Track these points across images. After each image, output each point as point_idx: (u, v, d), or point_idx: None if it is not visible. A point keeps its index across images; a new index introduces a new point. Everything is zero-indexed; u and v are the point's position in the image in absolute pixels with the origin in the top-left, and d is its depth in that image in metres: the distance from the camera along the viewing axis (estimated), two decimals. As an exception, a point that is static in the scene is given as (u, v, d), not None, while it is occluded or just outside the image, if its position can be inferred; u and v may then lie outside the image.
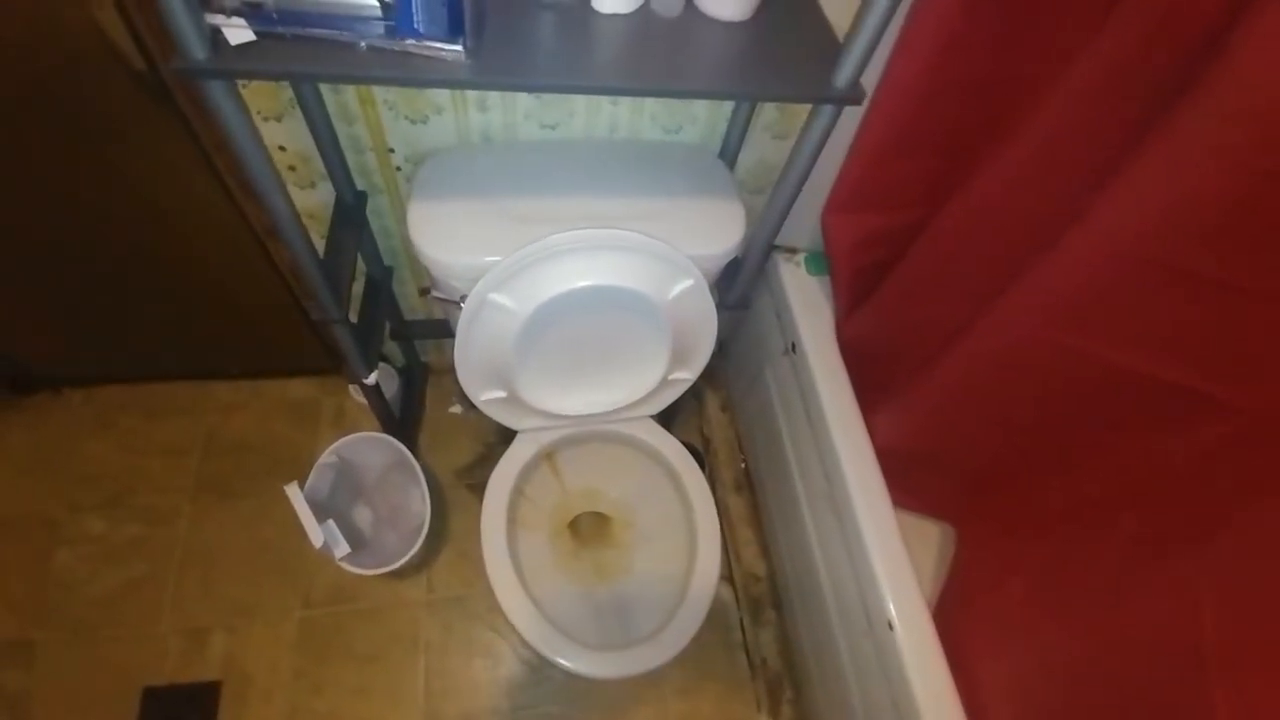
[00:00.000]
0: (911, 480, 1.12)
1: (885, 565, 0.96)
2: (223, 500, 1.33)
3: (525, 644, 0.92)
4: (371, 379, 1.00)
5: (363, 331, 1.04)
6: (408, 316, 1.28)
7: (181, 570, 1.27)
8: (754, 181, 1.06)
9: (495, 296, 0.74)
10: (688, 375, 0.96)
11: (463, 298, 0.78)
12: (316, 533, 0.92)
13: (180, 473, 1.35)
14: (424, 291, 0.83)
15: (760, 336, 1.35)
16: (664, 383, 0.96)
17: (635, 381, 0.92)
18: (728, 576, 1.40)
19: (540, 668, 1.25)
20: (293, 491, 0.94)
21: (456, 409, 1.47)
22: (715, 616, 1.35)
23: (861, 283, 1.08)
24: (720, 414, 1.57)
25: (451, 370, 0.96)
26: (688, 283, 0.78)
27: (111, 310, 1.24)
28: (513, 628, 0.92)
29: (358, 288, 1.10)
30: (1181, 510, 0.68)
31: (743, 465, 1.51)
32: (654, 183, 0.84)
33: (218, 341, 1.37)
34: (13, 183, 0.95)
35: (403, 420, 1.41)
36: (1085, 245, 0.59)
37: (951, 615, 1.03)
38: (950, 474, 1.06)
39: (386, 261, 1.11)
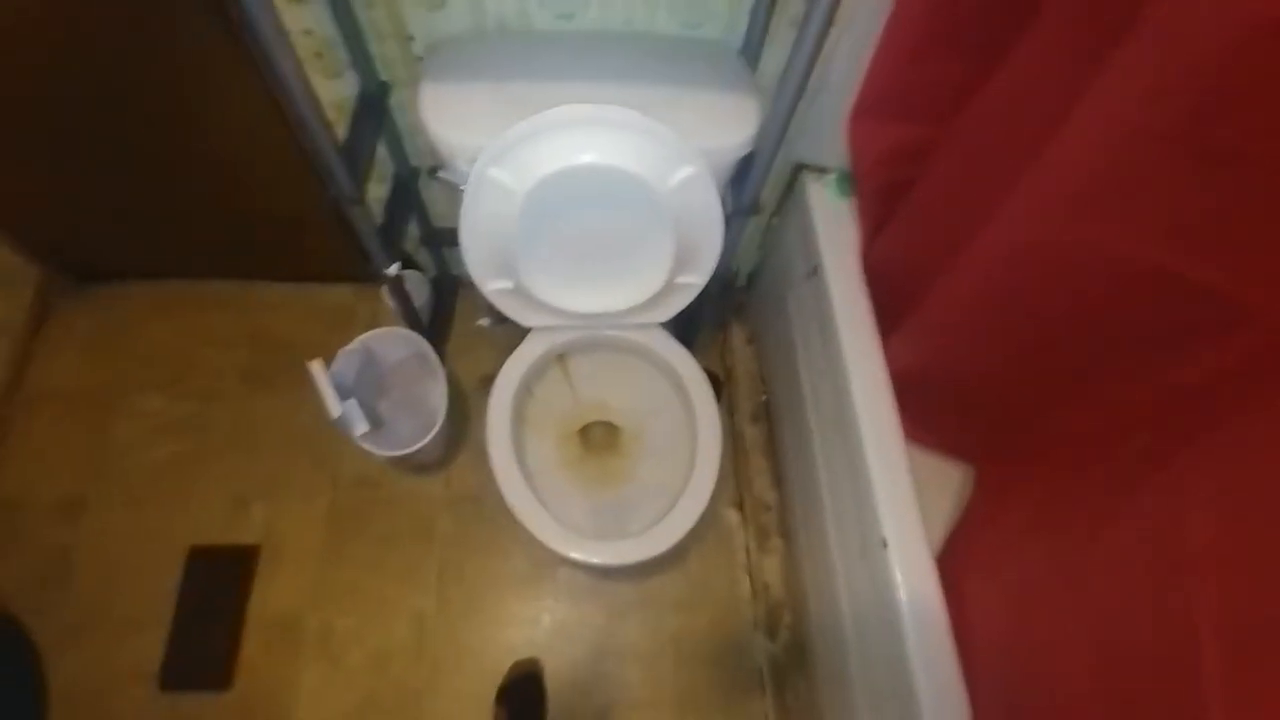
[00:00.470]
0: (929, 414, 1.09)
1: (884, 483, 0.94)
2: (265, 389, 1.43)
3: (520, 525, 0.96)
4: (393, 269, 1.04)
5: (387, 224, 1.08)
6: (436, 223, 1.32)
7: (227, 447, 1.38)
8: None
9: (494, 171, 0.76)
10: (695, 280, 0.96)
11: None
12: (335, 404, 0.99)
13: (229, 361, 1.46)
14: (433, 171, 0.85)
15: (785, 263, 1.32)
16: (671, 286, 0.95)
17: (641, 281, 0.92)
18: (738, 503, 1.41)
19: (545, 568, 1.30)
20: (315, 367, 1.00)
21: (484, 322, 1.50)
22: (721, 540, 1.38)
23: (885, 202, 1.04)
24: (745, 346, 1.56)
25: None
26: (688, 170, 0.77)
27: (167, 211, 1.33)
28: (510, 508, 0.96)
29: (384, 189, 1.14)
30: (1189, 430, 0.64)
31: (763, 399, 1.50)
32: (666, 75, 0.83)
33: (265, 246, 1.46)
34: (79, 87, 1.03)
35: (431, 327, 1.46)
36: (1092, 122, 0.54)
37: (953, 549, 1.01)
38: (965, 404, 1.02)
39: (413, 162, 1.14)
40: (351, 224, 0.97)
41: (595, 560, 0.93)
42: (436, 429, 1.13)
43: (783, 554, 1.36)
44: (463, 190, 0.82)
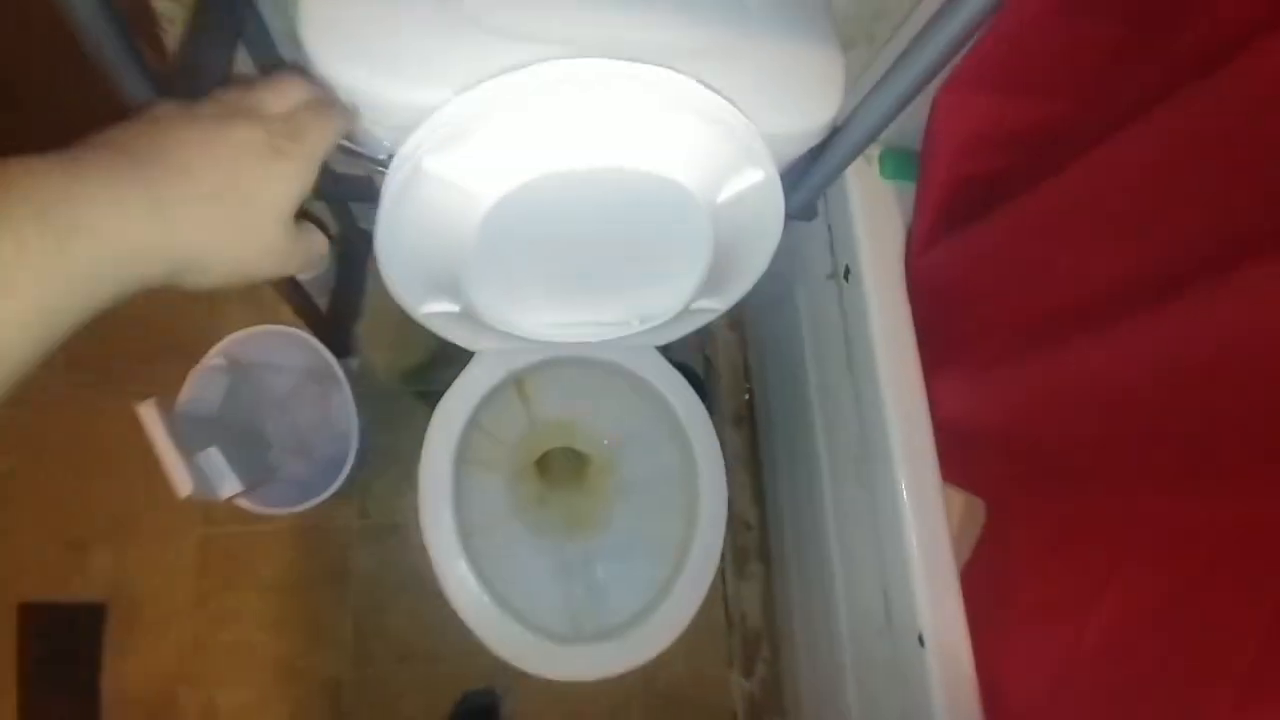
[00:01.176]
0: (961, 456, 0.91)
1: (926, 570, 0.77)
2: (101, 386, 1.05)
3: (469, 629, 0.72)
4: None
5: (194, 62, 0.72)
6: (337, 167, 0.95)
7: (54, 468, 1.02)
8: (857, 22, 0.69)
9: (436, 165, 0.44)
10: (716, 305, 0.69)
11: (389, 156, 0.48)
12: (183, 478, 0.67)
13: (58, 352, 1.05)
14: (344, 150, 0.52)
15: (795, 249, 1.06)
16: (684, 312, 0.68)
17: (645, 308, 0.65)
18: (714, 521, 1.22)
19: (491, 610, 1.08)
20: (148, 414, 0.67)
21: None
22: (695, 564, 1.20)
23: (961, 198, 0.79)
24: (728, 333, 1.31)
25: None
26: (756, 177, 0.49)
27: None
28: (451, 607, 0.71)
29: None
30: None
31: (746, 397, 1.29)
32: (714, 6, 0.51)
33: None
34: None
35: (335, 306, 1.12)
36: None
37: (985, 625, 0.87)
38: (1019, 463, 0.85)
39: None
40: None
41: (570, 678, 0.71)
42: (346, 473, 0.84)
43: (762, 580, 1.20)
44: (380, 171, 0.50)
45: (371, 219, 0.54)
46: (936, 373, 0.82)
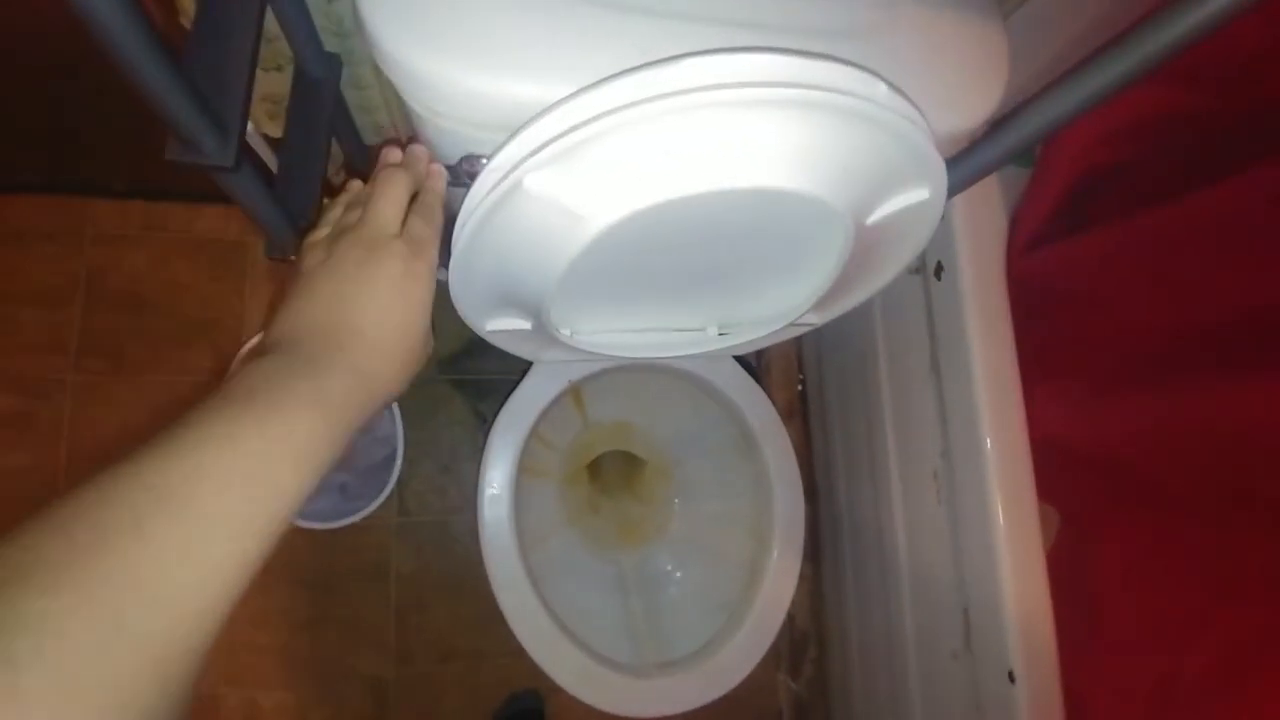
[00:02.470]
0: (1049, 471, 0.85)
1: (1020, 604, 0.71)
2: (117, 367, 0.99)
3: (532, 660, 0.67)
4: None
5: (288, 172, 0.64)
6: (369, 140, 0.85)
7: (70, 462, 0.96)
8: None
9: (545, 183, 0.36)
10: (816, 320, 0.61)
11: (466, 161, 0.40)
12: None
13: (59, 325, 0.98)
14: (463, 175, 0.43)
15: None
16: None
17: (745, 329, 0.57)
18: (763, 517, 1.17)
19: (535, 609, 1.04)
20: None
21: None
22: (743, 561, 1.15)
23: (1084, 190, 0.70)
24: (780, 318, 1.23)
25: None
26: (920, 195, 0.41)
27: None
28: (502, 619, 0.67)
29: (281, 83, 0.67)
30: None
31: (800, 388, 1.21)
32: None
33: (97, 143, 0.94)
34: None
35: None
36: None
37: (1076, 649, 0.82)
38: (1117, 487, 0.78)
39: (329, 46, 0.66)
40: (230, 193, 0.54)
41: (639, 717, 0.67)
42: (395, 475, 0.78)
43: (810, 581, 1.16)
44: (462, 180, 0.41)
45: None
46: (1037, 385, 0.74)
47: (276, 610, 0.97)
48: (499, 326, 0.56)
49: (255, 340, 0.75)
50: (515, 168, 0.35)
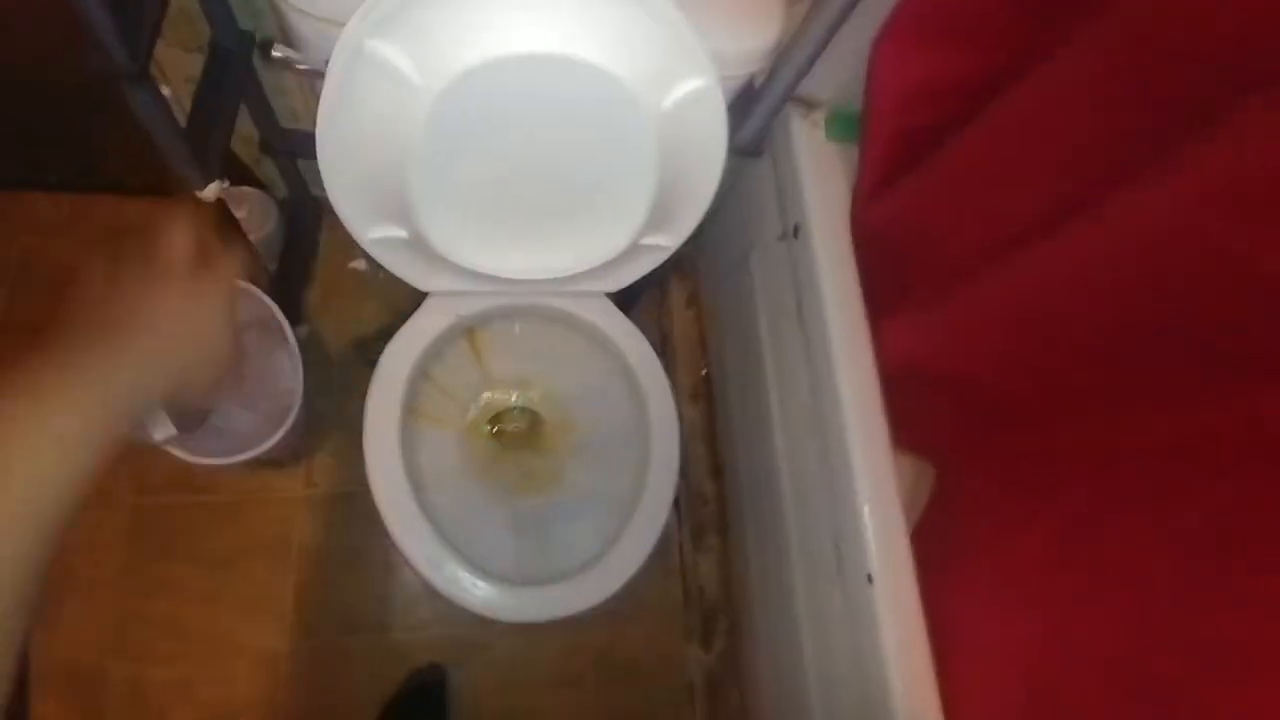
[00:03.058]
0: (906, 410, 0.94)
1: (874, 509, 0.78)
2: (31, 348, 1.00)
3: (412, 569, 0.70)
4: (210, 191, 0.69)
5: (200, 117, 0.71)
6: (285, 123, 0.94)
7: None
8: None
9: (380, 46, 0.44)
10: (667, 242, 0.70)
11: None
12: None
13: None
14: (266, 48, 0.52)
15: (750, 216, 1.08)
16: (634, 249, 0.69)
17: (598, 239, 0.66)
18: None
19: (442, 582, 1.05)
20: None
21: (360, 264, 1.16)
22: (653, 537, 1.19)
23: (905, 152, 0.82)
24: (685, 309, 1.33)
25: None
26: (696, 83, 0.51)
27: None
28: (397, 547, 0.69)
29: (196, 64, 0.75)
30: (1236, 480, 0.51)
31: (704, 371, 1.29)
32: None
33: (31, 136, 0.99)
34: None
35: (283, 272, 1.09)
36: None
37: (935, 571, 0.88)
38: (964, 406, 0.87)
39: (242, 23, 0.76)
40: (135, 116, 0.61)
41: (521, 619, 0.69)
42: (291, 420, 0.81)
43: (719, 553, 1.20)
44: (320, 78, 0.49)
45: (319, 178, 0.55)
46: (882, 320, 0.84)
47: (171, 582, 0.96)
48: (379, 235, 0.63)
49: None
50: (356, 32, 0.43)
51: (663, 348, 1.30)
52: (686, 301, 1.32)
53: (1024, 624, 0.72)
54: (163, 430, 0.71)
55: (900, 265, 0.85)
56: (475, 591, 0.69)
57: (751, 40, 0.55)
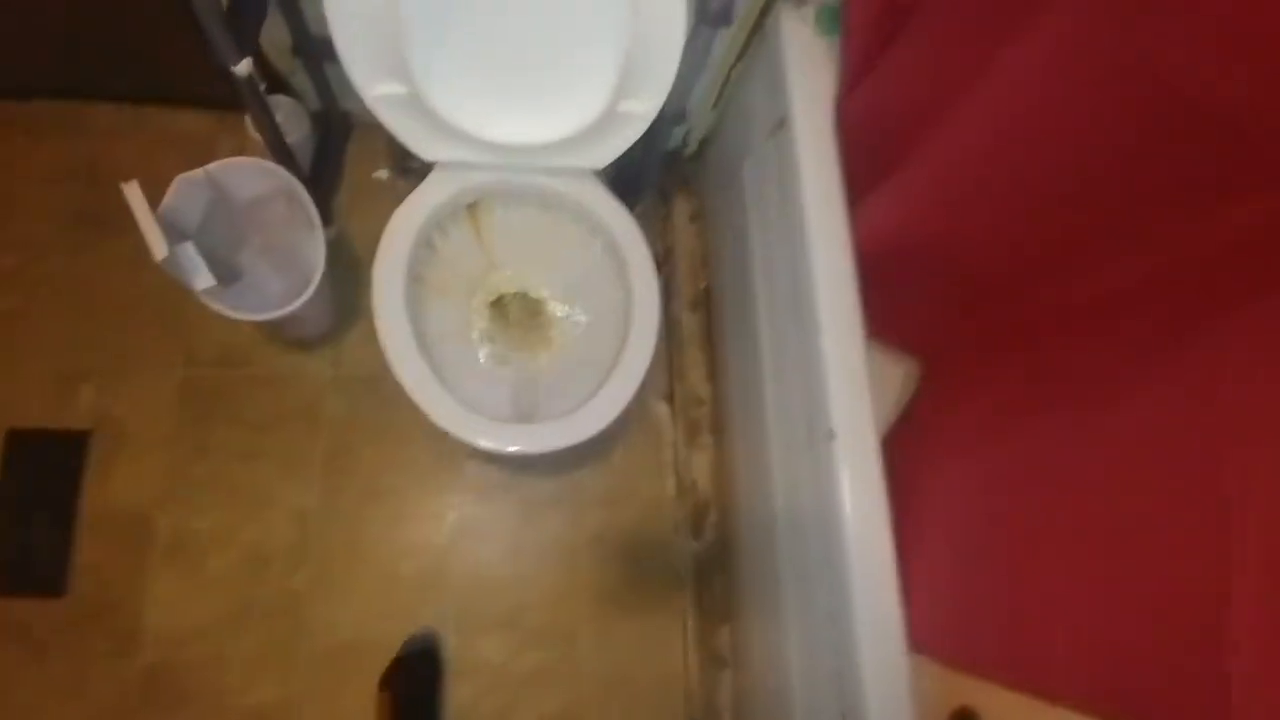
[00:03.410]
0: (889, 298, 0.97)
1: (838, 371, 0.83)
2: (101, 237, 1.14)
3: (415, 405, 0.79)
4: (243, 67, 0.78)
5: (236, 6, 0.80)
6: (316, 29, 1.03)
7: (52, 309, 1.10)
8: None
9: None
10: (641, 108, 0.76)
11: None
12: (160, 241, 0.74)
13: (55, 201, 1.15)
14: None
15: (746, 121, 1.13)
16: (612, 115, 0.76)
17: (576, 100, 0.72)
18: (668, 396, 1.29)
19: (451, 459, 1.15)
20: (131, 191, 0.74)
21: (383, 174, 1.26)
22: (649, 435, 1.26)
23: (879, 36, 0.86)
24: (689, 224, 1.38)
25: (381, 127, 0.74)
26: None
27: None
28: (400, 382, 0.78)
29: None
30: (1220, 299, 0.54)
31: (704, 285, 1.35)
32: None
33: (97, 49, 1.12)
34: None
35: (315, 178, 1.19)
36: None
37: (900, 443, 0.93)
38: (938, 285, 0.91)
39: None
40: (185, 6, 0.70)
41: (507, 448, 0.78)
42: (313, 287, 0.91)
43: (713, 451, 1.26)
44: None
45: (348, 94, 0.61)
46: (860, 201, 0.89)
47: (215, 443, 1.08)
48: (381, 91, 0.71)
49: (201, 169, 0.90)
50: None
51: (666, 259, 1.36)
52: (690, 217, 1.38)
53: (958, 483, 0.76)
54: (204, 279, 0.82)
55: (876, 150, 0.89)
56: (476, 426, 0.78)
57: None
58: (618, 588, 1.16)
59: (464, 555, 1.11)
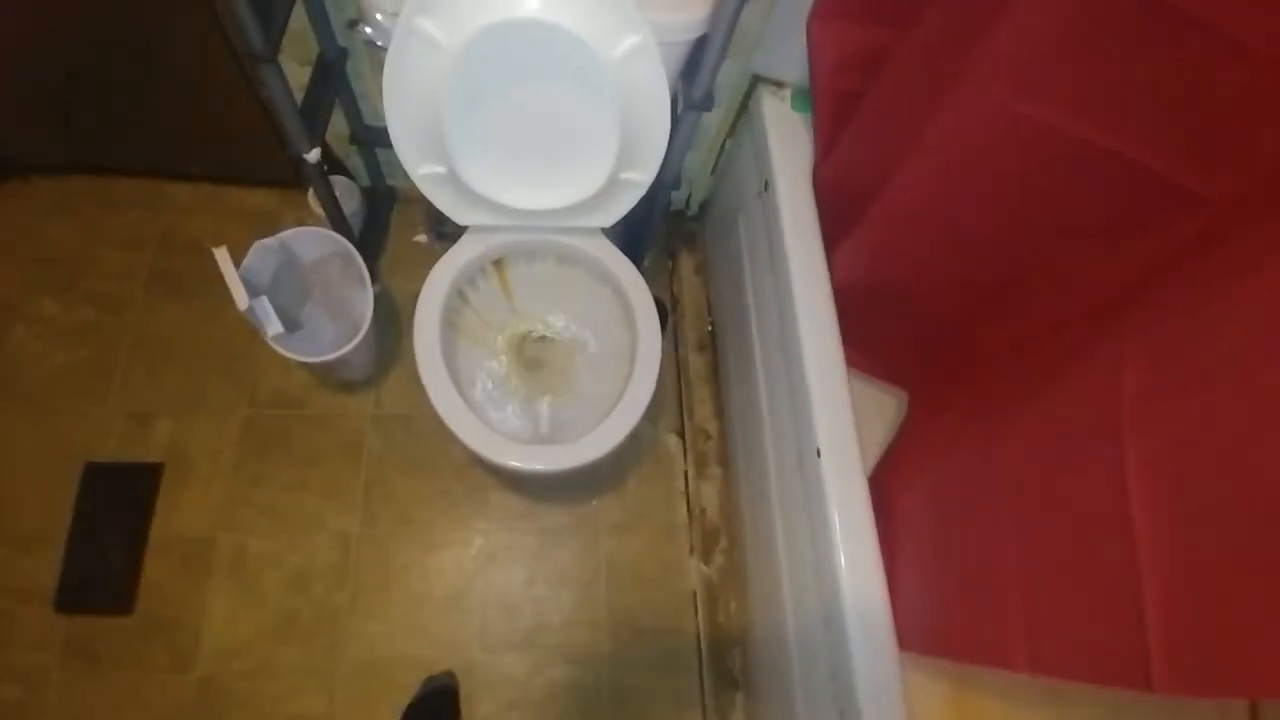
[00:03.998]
0: (869, 333, 1.08)
1: (821, 394, 0.93)
2: (175, 295, 1.32)
3: (448, 430, 0.91)
4: (313, 155, 0.95)
5: (309, 104, 0.99)
6: (369, 121, 1.22)
7: (130, 357, 1.27)
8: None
9: (422, 21, 0.68)
10: (639, 176, 0.91)
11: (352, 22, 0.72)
12: (242, 296, 0.90)
13: (135, 264, 1.33)
14: (353, 24, 0.77)
15: (738, 184, 1.28)
16: (614, 184, 0.90)
17: (583, 173, 0.87)
18: (679, 430, 1.40)
19: (477, 490, 1.26)
20: (221, 254, 0.91)
21: (422, 238, 1.43)
22: (661, 466, 1.36)
23: (842, 114, 1.01)
24: (694, 276, 1.53)
25: (421, 199, 0.91)
26: (634, 39, 0.72)
27: (76, 97, 1.19)
28: (436, 411, 0.91)
29: (306, 74, 1.04)
30: (1126, 308, 0.64)
31: (709, 328, 1.48)
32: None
33: (180, 138, 1.33)
34: None
35: (363, 242, 1.37)
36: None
37: (885, 465, 1.02)
38: (903, 318, 1.02)
39: (341, 42, 1.04)
40: (264, 96, 0.88)
41: (526, 466, 0.89)
42: (362, 333, 1.06)
43: (721, 481, 1.36)
44: (385, 49, 0.74)
45: (395, 175, 0.75)
46: (835, 248, 1.01)
47: (269, 474, 1.21)
48: (425, 171, 0.87)
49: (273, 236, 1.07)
50: (408, 14, 0.68)
51: (675, 309, 1.50)
52: (695, 269, 1.52)
53: (922, 498, 0.85)
54: (274, 327, 0.97)
55: (845, 207, 1.03)
56: (502, 448, 0.89)
57: (684, 14, 0.77)
58: (633, 609, 1.24)
59: (488, 578, 1.20)
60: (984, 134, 0.67)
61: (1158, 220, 0.63)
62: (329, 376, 1.28)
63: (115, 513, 1.18)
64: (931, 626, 0.80)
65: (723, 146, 1.33)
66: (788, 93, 1.13)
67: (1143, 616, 0.53)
